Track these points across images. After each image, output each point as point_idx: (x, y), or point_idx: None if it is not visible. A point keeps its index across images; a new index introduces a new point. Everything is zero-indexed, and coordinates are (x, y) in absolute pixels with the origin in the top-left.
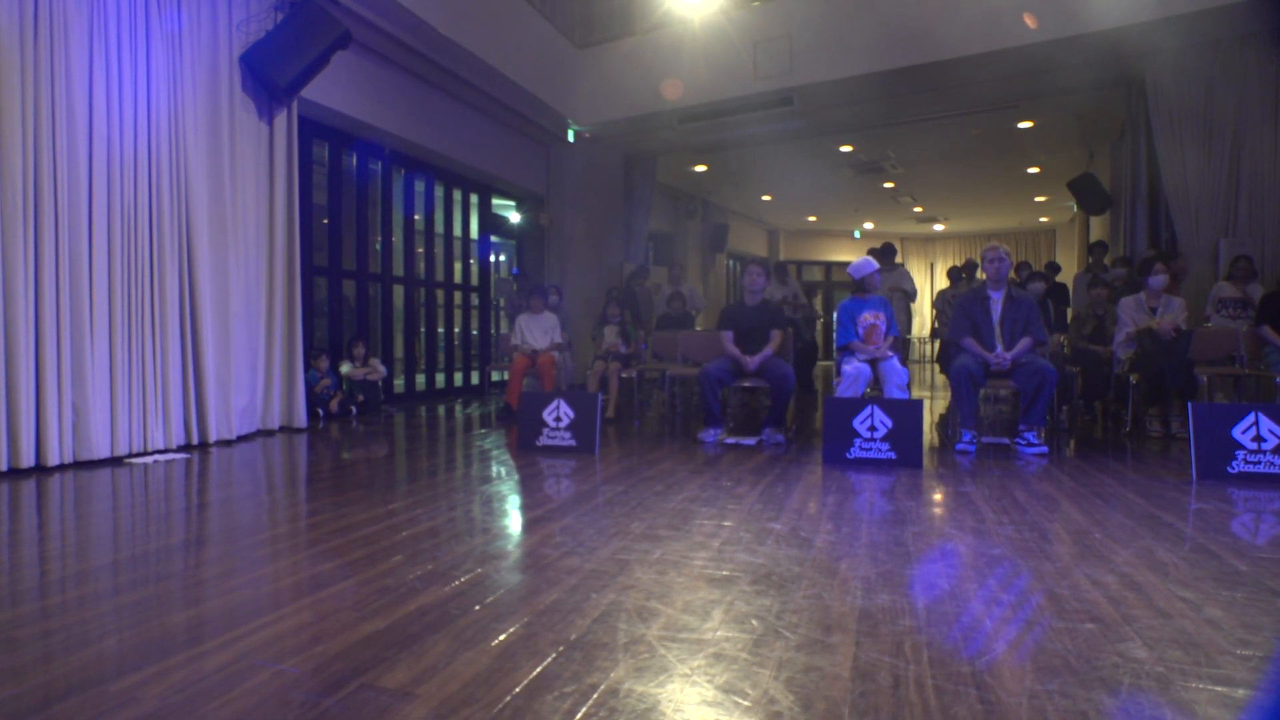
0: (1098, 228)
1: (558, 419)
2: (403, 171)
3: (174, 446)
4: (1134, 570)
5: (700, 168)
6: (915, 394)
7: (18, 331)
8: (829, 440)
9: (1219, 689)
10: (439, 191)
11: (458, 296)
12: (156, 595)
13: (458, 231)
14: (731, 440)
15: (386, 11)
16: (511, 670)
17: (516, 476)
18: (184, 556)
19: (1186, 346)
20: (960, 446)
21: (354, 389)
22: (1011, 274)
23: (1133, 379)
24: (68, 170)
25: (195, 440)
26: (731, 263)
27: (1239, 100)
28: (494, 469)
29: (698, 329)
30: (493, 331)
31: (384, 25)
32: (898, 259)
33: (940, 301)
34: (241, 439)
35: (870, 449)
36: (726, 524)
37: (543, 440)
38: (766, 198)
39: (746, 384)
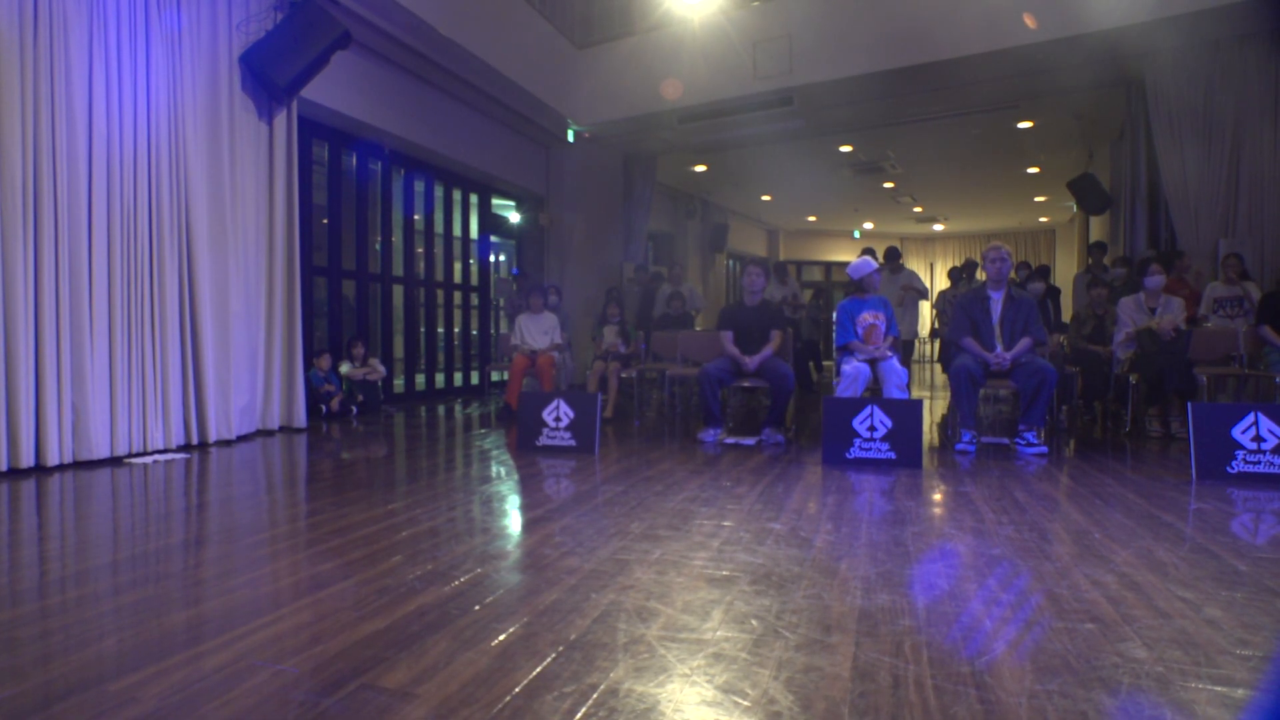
0: (1097, 228)
1: (557, 419)
2: (402, 171)
3: (174, 446)
4: (1134, 570)
5: (700, 168)
6: (915, 394)
7: (17, 331)
8: (829, 440)
9: (1219, 689)
10: (439, 191)
11: (457, 296)
12: (156, 595)
13: (457, 231)
14: (731, 440)
15: (386, 11)
16: (511, 670)
17: (516, 476)
18: (183, 556)
19: (1186, 346)
20: (960, 446)
21: (354, 389)
22: (1012, 274)
23: (1132, 379)
24: (67, 170)
25: (195, 440)
26: (731, 263)
27: (1239, 100)
28: (493, 469)
29: (697, 329)
30: (492, 331)
31: (384, 25)
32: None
33: (941, 301)
34: (241, 439)
35: (870, 449)
36: (726, 524)
37: (542, 440)
38: (766, 198)
39: (746, 384)
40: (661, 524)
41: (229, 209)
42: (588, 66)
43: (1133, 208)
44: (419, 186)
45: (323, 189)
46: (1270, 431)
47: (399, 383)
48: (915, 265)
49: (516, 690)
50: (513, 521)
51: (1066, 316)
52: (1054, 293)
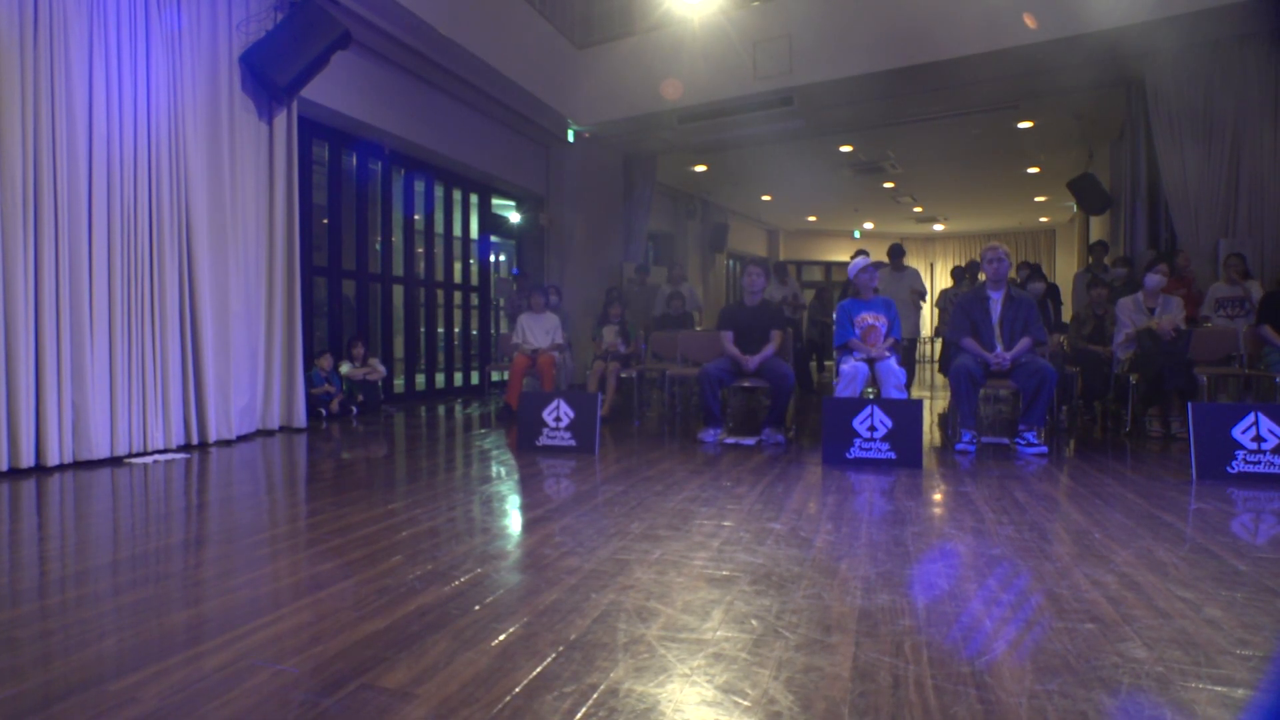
0: (1097, 228)
1: (557, 419)
2: (402, 171)
3: (174, 446)
4: (1134, 570)
5: (700, 168)
6: (915, 394)
7: (18, 331)
8: (829, 440)
9: (1218, 689)
10: (439, 191)
11: (458, 296)
12: (156, 595)
13: (458, 231)
14: (731, 440)
15: (386, 11)
16: (511, 670)
17: (516, 476)
18: (183, 556)
19: (1186, 346)
20: (960, 446)
21: (354, 389)
22: (1011, 274)
23: (1132, 379)
24: (67, 170)
25: (195, 440)
26: (731, 263)
27: (1238, 101)
28: (494, 469)
29: (697, 329)
30: (492, 331)
31: (384, 25)
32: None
33: (943, 301)
34: (241, 439)
35: (870, 449)
36: (726, 524)
37: (542, 440)
38: (766, 198)
39: (746, 384)
40: (661, 524)
41: (229, 209)
42: (588, 66)
43: (1133, 208)
44: (419, 186)
45: (323, 189)
46: (1270, 431)
47: (399, 383)
48: (915, 265)
49: (516, 690)
50: (513, 521)
51: (1067, 317)
52: (1054, 292)
